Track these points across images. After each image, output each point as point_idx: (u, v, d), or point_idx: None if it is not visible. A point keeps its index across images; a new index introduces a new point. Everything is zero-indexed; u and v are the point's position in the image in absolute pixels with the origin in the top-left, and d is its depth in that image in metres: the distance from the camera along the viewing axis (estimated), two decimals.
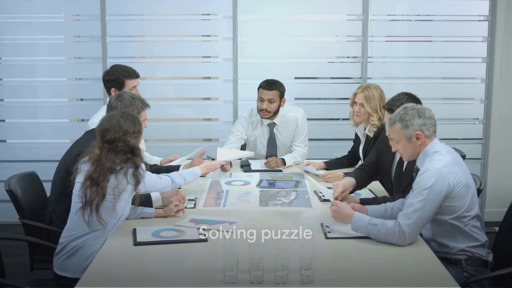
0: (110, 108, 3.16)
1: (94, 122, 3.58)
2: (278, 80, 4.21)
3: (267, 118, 4.21)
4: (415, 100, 3.23)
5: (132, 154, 2.65)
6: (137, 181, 2.65)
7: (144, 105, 3.18)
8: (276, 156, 4.23)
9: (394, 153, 3.19)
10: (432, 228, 2.69)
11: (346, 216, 2.68)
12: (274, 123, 4.25)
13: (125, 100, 3.11)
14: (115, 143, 2.63)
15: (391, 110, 3.13)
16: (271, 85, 4.13)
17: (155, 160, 3.97)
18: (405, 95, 3.26)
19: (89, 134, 3.23)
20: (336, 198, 2.99)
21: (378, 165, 3.45)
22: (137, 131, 2.70)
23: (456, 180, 2.56)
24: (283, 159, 4.11)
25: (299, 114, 4.29)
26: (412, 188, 2.70)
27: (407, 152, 2.72)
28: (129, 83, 3.73)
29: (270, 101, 4.12)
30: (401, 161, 3.14)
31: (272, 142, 4.28)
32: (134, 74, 3.77)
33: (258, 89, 4.19)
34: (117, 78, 3.71)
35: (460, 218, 2.62)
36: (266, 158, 4.21)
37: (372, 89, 3.87)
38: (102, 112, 3.75)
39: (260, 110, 4.18)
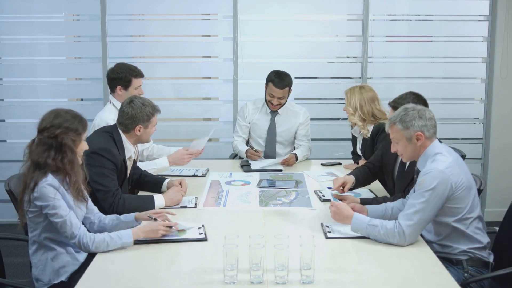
0: (121, 111, 3.19)
1: (101, 118, 3.63)
2: (286, 72, 4.31)
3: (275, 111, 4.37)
4: (422, 100, 3.23)
5: (59, 152, 2.46)
6: (35, 184, 2.40)
7: (155, 110, 3.21)
8: (274, 143, 4.38)
9: None
10: (435, 231, 2.69)
11: (345, 217, 2.67)
12: (277, 112, 4.38)
13: (136, 107, 3.15)
14: (43, 133, 2.48)
15: (395, 108, 3.13)
16: (283, 83, 4.22)
17: (173, 150, 3.94)
18: (412, 94, 3.26)
19: (97, 132, 3.29)
20: (337, 199, 2.99)
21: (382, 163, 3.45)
22: (73, 128, 2.49)
23: (458, 181, 2.56)
24: (295, 154, 4.21)
25: (301, 110, 4.45)
26: (413, 188, 2.70)
27: (407, 153, 2.71)
28: (136, 82, 3.80)
29: (280, 98, 4.26)
30: None
31: (272, 129, 4.39)
32: (139, 74, 3.85)
33: (268, 82, 4.28)
34: (124, 76, 3.77)
35: (462, 220, 2.61)
36: (265, 144, 4.39)
37: (355, 90, 3.93)
38: (107, 109, 3.79)
39: (268, 102, 4.32)
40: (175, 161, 3.79)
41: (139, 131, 3.17)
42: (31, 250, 2.59)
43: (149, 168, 3.66)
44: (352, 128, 4.14)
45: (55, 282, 2.53)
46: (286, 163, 4.09)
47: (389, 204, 2.92)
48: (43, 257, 2.55)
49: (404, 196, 2.98)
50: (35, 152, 2.47)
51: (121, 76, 3.77)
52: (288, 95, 4.34)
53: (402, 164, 3.21)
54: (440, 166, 2.55)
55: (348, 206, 2.74)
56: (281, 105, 4.33)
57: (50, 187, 2.43)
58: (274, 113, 4.38)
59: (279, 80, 4.22)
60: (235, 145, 4.41)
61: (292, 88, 4.34)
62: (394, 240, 2.52)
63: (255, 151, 4.23)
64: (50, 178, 2.45)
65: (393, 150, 2.78)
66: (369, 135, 3.86)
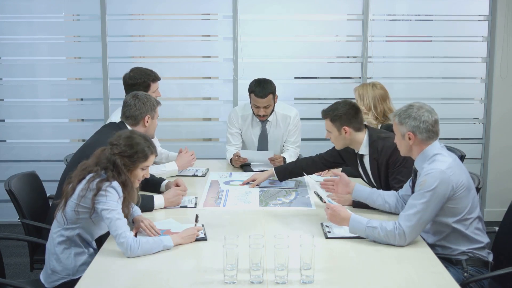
0: (126, 106, 3.26)
1: (111, 120, 3.64)
2: (267, 79, 4.10)
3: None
4: (353, 107, 3.25)
5: (113, 167, 2.55)
6: (98, 189, 2.49)
7: (157, 103, 3.35)
8: (267, 149, 4.25)
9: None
10: (434, 231, 2.68)
11: (342, 219, 2.66)
12: (267, 120, 4.22)
13: (142, 97, 3.26)
14: (110, 147, 2.62)
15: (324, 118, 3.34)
16: (264, 92, 4.00)
17: (171, 155, 4.01)
18: (341, 103, 3.31)
19: (105, 129, 3.32)
20: (332, 202, 2.98)
21: None
22: (128, 155, 2.57)
23: (459, 182, 2.56)
24: (284, 158, 4.11)
25: (291, 113, 4.25)
26: (414, 188, 2.71)
27: (401, 147, 2.75)
28: (154, 86, 3.85)
29: (266, 107, 4.07)
30: None
31: (263, 137, 4.27)
32: (156, 77, 3.89)
33: (250, 93, 4.10)
34: (143, 82, 3.81)
35: (462, 221, 2.61)
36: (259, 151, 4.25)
37: (368, 87, 3.83)
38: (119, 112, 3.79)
39: (256, 115, 4.15)
40: (183, 165, 3.82)
41: (147, 121, 3.25)
42: (55, 242, 2.61)
43: (160, 171, 3.66)
44: None
45: (74, 277, 2.57)
46: (273, 162, 3.97)
47: (378, 191, 2.98)
48: (66, 251, 2.60)
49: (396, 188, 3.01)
50: (100, 159, 2.58)
51: (139, 82, 3.79)
52: (275, 102, 4.13)
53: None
54: (441, 167, 2.55)
55: (344, 207, 2.73)
56: (269, 114, 4.14)
57: (114, 191, 2.51)
58: (264, 121, 4.20)
59: (260, 89, 4.00)
60: (227, 156, 4.19)
61: (277, 94, 4.13)
62: (394, 241, 2.52)
63: (238, 158, 4.01)
64: (116, 185, 2.53)
65: (395, 140, 2.80)
66: None
